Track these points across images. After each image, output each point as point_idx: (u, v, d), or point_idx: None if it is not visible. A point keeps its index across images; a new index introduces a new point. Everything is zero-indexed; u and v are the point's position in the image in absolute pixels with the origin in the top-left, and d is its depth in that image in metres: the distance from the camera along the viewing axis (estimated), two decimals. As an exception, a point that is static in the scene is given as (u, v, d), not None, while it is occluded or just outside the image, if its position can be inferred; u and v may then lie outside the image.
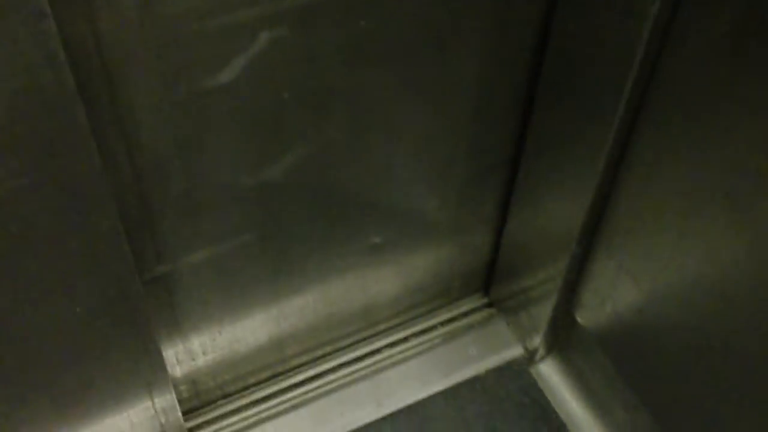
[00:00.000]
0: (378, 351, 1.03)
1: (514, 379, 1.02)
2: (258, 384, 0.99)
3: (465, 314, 1.07)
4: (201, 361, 0.89)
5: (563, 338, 0.99)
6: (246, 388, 0.98)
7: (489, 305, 1.08)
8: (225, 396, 0.97)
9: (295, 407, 0.98)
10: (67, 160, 0.57)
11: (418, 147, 0.81)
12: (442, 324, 1.06)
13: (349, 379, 1.01)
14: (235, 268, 0.80)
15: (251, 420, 0.97)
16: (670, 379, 0.82)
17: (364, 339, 1.03)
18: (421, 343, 1.04)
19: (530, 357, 1.03)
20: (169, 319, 0.81)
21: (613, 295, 0.85)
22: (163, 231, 0.71)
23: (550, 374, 1.02)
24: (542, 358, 1.03)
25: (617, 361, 0.90)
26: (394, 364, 1.02)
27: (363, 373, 1.01)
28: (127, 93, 0.59)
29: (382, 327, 1.04)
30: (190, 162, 0.67)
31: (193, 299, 0.81)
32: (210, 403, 0.97)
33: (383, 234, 0.89)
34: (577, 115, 0.78)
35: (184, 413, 0.93)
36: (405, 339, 1.05)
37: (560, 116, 0.81)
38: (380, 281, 0.96)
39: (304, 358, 1.00)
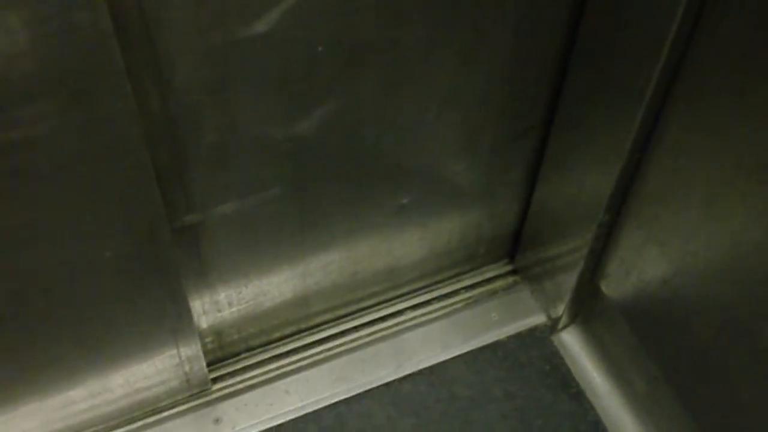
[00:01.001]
0: (401, 312, 1.04)
1: (536, 346, 1.02)
2: (282, 339, 1.00)
3: (489, 280, 1.08)
4: (227, 312, 0.91)
5: (587, 308, 0.99)
6: (270, 342, 0.99)
7: (514, 272, 1.08)
8: (249, 349, 0.99)
9: (316, 363, 0.99)
10: (101, 102, 0.58)
11: (449, 108, 0.81)
12: (466, 289, 1.07)
13: (371, 338, 1.02)
14: (263, 222, 0.81)
15: (274, 374, 0.98)
16: (692, 353, 0.81)
17: (388, 300, 1.04)
18: (443, 307, 1.05)
19: (553, 325, 1.03)
20: (196, 269, 0.82)
21: (639, 265, 0.84)
22: (193, 180, 0.72)
23: (572, 343, 1.02)
24: (564, 327, 1.03)
25: (640, 333, 0.89)
26: (416, 326, 1.03)
27: (385, 333, 1.02)
28: (163, 37, 0.60)
29: (405, 289, 1.04)
30: (222, 111, 0.68)
31: (221, 250, 0.82)
32: (234, 355, 0.98)
33: (410, 195, 0.89)
34: (611, 83, 0.77)
35: (209, 364, 0.94)
36: (428, 302, 1.05)
37: (593, 84, 0.80)
38: (406, 243, 0.96)
39: (327, 316, 1.01)
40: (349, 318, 1.02)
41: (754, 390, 0.75)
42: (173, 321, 0.82)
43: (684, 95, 0.71)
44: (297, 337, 1.00)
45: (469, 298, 1.06)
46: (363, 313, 1.03)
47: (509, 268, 1.09)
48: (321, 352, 1.00)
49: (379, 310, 1.04)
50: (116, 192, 0.65)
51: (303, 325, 1.00)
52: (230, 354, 0.98)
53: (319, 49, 0.67)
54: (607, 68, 0.77)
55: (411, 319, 1.04)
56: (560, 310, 1.00)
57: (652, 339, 0.88)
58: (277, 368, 0.99)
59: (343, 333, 1.02)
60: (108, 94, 0.58)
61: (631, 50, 0.73)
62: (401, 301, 1.05)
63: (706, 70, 0.68)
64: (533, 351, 1.02)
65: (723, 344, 0.76)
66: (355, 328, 1.02)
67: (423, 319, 1.04)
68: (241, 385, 0.97)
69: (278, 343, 1.00)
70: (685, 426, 0.86)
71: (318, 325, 1.01)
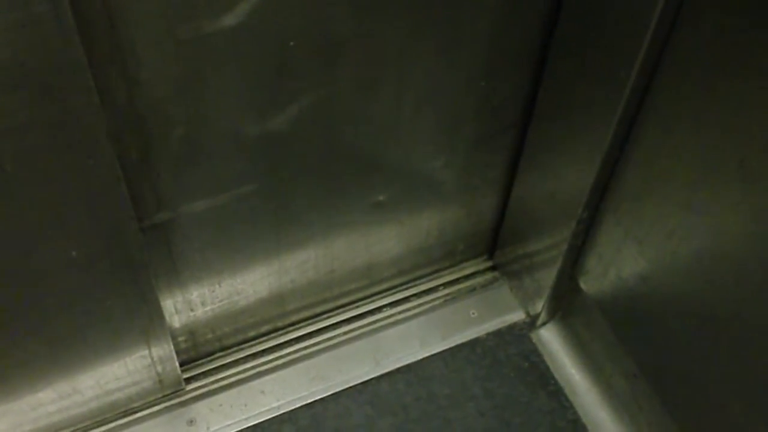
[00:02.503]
0: (379, 310, 1.03)
1: (515, 343, 1.01)
2: (257, 338, 0.98)
3: (468, 277, 1.07)
4: (200, 312, 0.89)
5: (566, 304, 0.99)
6: (245, 341, 0.98)
7: (493, 268, 1.07)
8: (223, 348, 0.97)
9: (292, 362, 0.98)
10: (64, 98, 0.56)
11: (427, 104, 0.80)
12: (445, 285, 1.06)
13: (348, 336, 1.01)
14: (236, 219, 0.80)
15: (249, 373, 0.97)
16: (671, 350, 0.81)
17: (366, 297, 1.03)
18: (422, 304, 1.04)
19: (532, 322, 1.02)
20: (168, 268, 0.80)
21: (617, 262, 0.84)
22: (162, 177, 0.70)
23: (551, 340, 1.01)
24: (543, 324, 1.02)
25: (619, 329, 0.89)
26: (394, 324, 1.02)
27: (363, 331, 1.01)
28: (127, 30, 0.58)
29: (383, 286, 1.03)
30: (191, 106, 0.66)
31: (193, 249, 0.80)
32: (208, 354, 0.97)
33: (388, 191, 0.88)
34: (590, 78, 0.76)
35: (182, 364, 0.93)
36: (406, 299, 1.04)
37: (572, 79, 0.79)
38: (383, 240, 0.95)
39: (303, 314, 1.00)
40: (325, 316, 1.01)
41: (731, 387, 0.74)
42: (144, 321, 0.80)
43: (663, 92, 0.70)
44: (273, 335, 0.99)
45: (448, 294, 1.05)
46: (340, 310, 1.02)
47: (488, 264, 1.08)
48: (297, 351, 0.99)
49: (356, 307, 1.03)
50: (82, 190, 0.63)
51: (279, 324, 0.99)
52: (204, 353, 0.96)
53: (292, 44, 0.66)
54: (586, 64, 0.76)
55: (389, 317, 1.03)
56: (539, 306, 1.00)
57: (631, 336, 0.87)
58: (253, 368, 0.97)
59: (319, 331, 1.00)
60: (70, 88, 0.56)
61: (610, 46, 0.72)
62: (379, 298, 1.04)
63: (684, 67, 0.67)
64: (512, 348, 1.01)
65: (701, 341, 0.76)
66: (332, 326, 1.01)
67: (401, 316, 1.03)
68: (215, 385, 0.95)
69: (253, 342, 0.98)
70: (664, 423, 0.86)
71: (294, 324, 1.00)
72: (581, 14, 0.74)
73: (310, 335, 1.00)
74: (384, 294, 1.04)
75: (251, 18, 0.62)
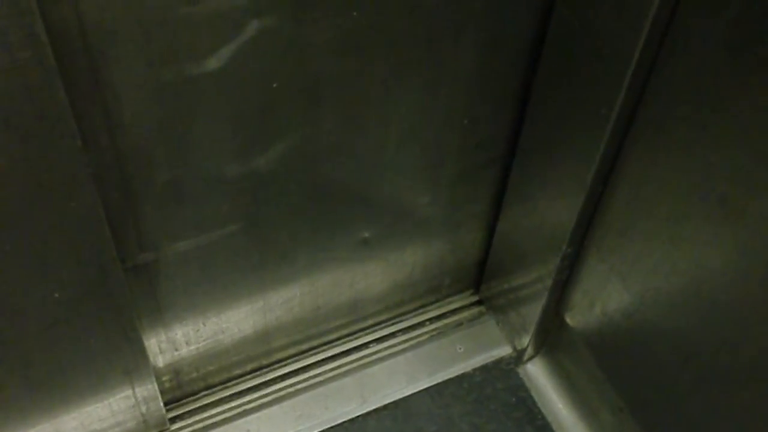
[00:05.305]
0: (365, 346, 1.02)
1: (502, 378, 1.01)
2: (242, 376, 0.98)
3: (454, 311, 1.06)
4: (184, 351, 0.88)
5: (552, 339, 0.98)
6: (230, 379, 0.97)
7: (479, 303, 1.07)
8: (208, 387, 0.96)
9: (279, 400, 0.97)
10: (46, 141, 0.56)
11: (410, 140, 0.80)
12: (431, 321, 1.05)
13: (334, 373, 1.00)
14: (221, 259, 0.79)
15: (235, 411, 0.96)
16: (656, 384, 0.81)
17: (352, 334, 1.03)
18: (408, 339, 1.03)
19: (518, 357, 1.02)
20: (151, 308, 0.80)
21: (602, 297, 0.84)
22: (146, 218, 0.70)
23: (538, 375, 1.01)
24: (530, 358, 1.02)
25: (605, 364, 0.89)
26: (380, 360, 1.01)
27: (349, 368, 1.01)
28: (110, 74, 0.58)
29: (369, 322, 1.03)
30: (175, 148, 0.66)
31: (177, 289, 0.80)
32: (193, 393, 0.96)
33: (372, 229, 0.88)
34: (573, 115, 0.77)
35: (166, 403, 0.92)
36: (393, 335, 1.04)
37: (555, 115, 0.80)
38: (369, 276, 0.95)
39: (289, 351, 0.99)
40: (311, 353, 1.01)
41: (716, 421, 0.74)
42: (128, 361, 0.79)
43: (646, 127, 0.71)
44: (258, 373, 0.98)
45: (434, 330, 1.05)
46: (326, 347, 1.01)
47: (474, 299, 1.08)
48: (284, 388, 0.98)
49: (342, 343, 1.02)
50: (63, 231, 0.63)
51: (264, 361, 0.98)
52: (189, 393, 0.95)
53: (275, 85, 0.66)
54: (568, 101, 0.77)
55: (375, 353, 1.02)
56: (525, 341, 0.99)
57: (617, 370, 0.87)
58: (239, 405, 0.96)
59: (305, 368, 1.00)
60: (52, 132, 0.56)
61: (593, 83, 0.72)
62: (365, 334, 1.03)
63: (666, 104, 0.68)
64: (499, 383, 1.01)
65: (686, 376, 0.76)
66: (318, 363, 1.00)
67: (387, 352, 1.02)
68: (200, 425, 0.94)
69: (239, 380, 0.97)
70: (651, 458, 0.86)
71: (280, 361, 0.99)
72: (564, 51, 0.75)
73: (296, 372, 0.99)
74: (370, 330, 1.03)
75: (233, 61, 0.63)
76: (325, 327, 0.99)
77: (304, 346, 1.00)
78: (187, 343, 0.87)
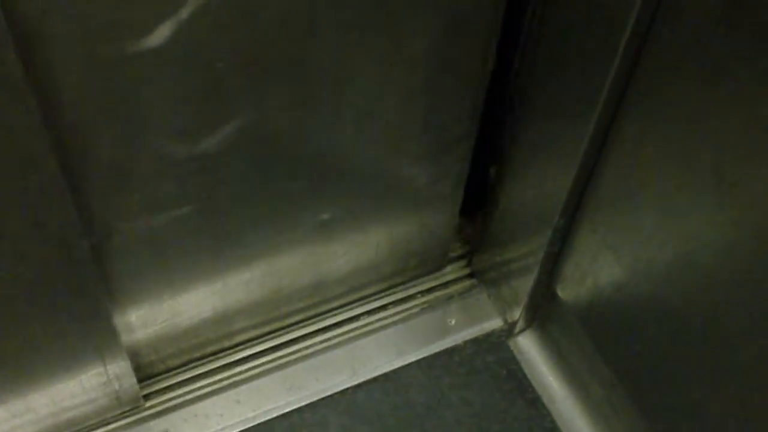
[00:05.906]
0: (356, 318, 1.02)
1: (492, 351, 1.01)
2: (229, 348, 0.97)
3: (446, 284, 1.06)
4: (157, 328, 0.86)
5: (543, 312, 0.98)
6: (214, 353, 0.96)
7: (471, 276, 1.07)
8: (186, 363, 0.95)
9: (268, 372, 0.97)
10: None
11: (368, 120, 0.77)
12: (422, 294, 1.05)
13: (325, 345, 1.00)
14: (173, 241, 0.77)
15: (225, 383, 0.95)
16: (648, 358, 0.81)
17: (343, 305, 1.02)
18: (399, 312, 1.03)
19: (509, 330, 1.02)
20: (116, 285, 0.78)
21: (594, 270, 0.84)
22: (90, 201, 0.68)
23: (528, 348, 1.01)
24: (521, 331, 1.02)
25: (596, 337, 0.89)
26: (371, 332, 1.01)
27: (340, 340, 1.00)
28: (43, 52, 0.56)
29: (358, 295, 1.02)
30: (116, 128, 0.64)
31: (129, 272, 0.78)
32: (169, 370, 0.95)
33: (333, 210, 0.85)
34: (565, 83, 0.76)
35: (141, 380, 0.90)
36: (383, 307, 1.03)
37: (547, 85, 0.79)
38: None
39: (281, 323, 0.98)
40: (302, 325, 1.00)
41: (709, 395, 0.74)
42: (97, 339, 0.78)
43: (640, 97, 0.70)
44: (246, 345, 0.97)
45: (426, 302, 1.04)
46: (318, 318, 1.01)
47: (467, 271, 1.07)
48: (273, 360, 0.98)
49: (334, 315, 1.02)
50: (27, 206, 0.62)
51: (253, 334, 0.97)
52: (165, 369, 0.94)
53: (219, 65, 0.63)
54: (561, 70, 0.76)
55: (366, 325, 1.02)
56: (517, 314, 0.99)
57: (608, 344, 0.87)
58: (228, 377, 0.96)
59: (295, 340, 0.99)
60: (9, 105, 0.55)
61: (585, 52, 0.72)
62: (357, 306, 1.03)
63: (660, 74, 0.67)
64: (490, 356, 1.01)
65: (678, 349, 0.76)
66: (309, 335, 1.00)
67: (378, 324, 1.02)
68: (178, 400, 0.93)
69: (229, 352, 0.97)
70: (641, 430, 0.86)
71: (268, 334, 0.99)
72: (554, 20, 0.74)
73: (285, 344, 0.99)
74: (361, 302, 1.03)
75: (174, 39, 0.60)
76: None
77: (298, 318, 0.99)
78: (155, 322, 0.85)
